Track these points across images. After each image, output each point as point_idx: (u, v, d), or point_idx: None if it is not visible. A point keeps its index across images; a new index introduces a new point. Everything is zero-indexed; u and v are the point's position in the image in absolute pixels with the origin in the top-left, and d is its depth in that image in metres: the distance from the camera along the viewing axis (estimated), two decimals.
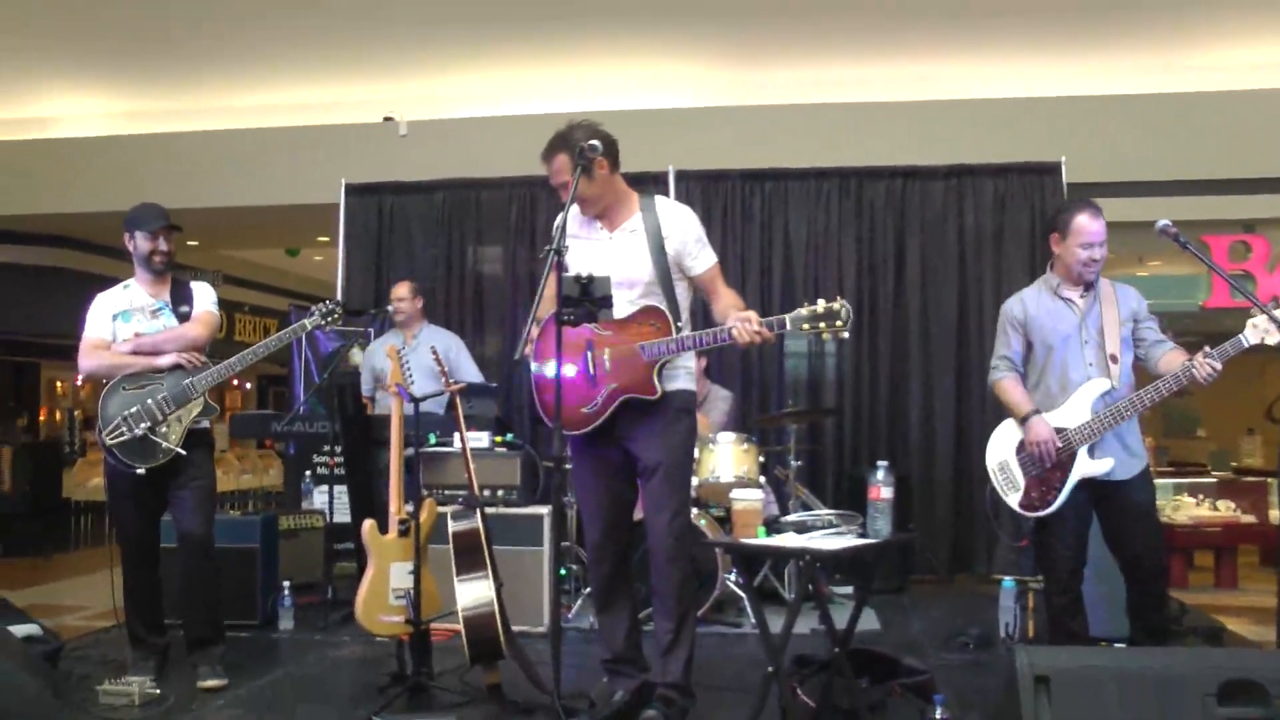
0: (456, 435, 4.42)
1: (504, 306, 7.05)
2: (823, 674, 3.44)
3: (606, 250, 3.43)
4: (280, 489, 9.71)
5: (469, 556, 3.82)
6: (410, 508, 3.99)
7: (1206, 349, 3.48)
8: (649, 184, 6.03)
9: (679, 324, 3.37)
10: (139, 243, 4.15)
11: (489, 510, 4.07)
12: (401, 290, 5.87)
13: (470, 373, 5.71)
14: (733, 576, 5.07)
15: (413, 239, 7.23)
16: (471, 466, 4.08)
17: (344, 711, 3.79)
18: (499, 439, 5.18)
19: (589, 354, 3.37)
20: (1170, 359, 3.64)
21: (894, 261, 6.77)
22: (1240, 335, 3.50)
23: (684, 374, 3.46)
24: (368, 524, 4.01)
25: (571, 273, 3.12)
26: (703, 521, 5.01)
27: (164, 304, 4.18)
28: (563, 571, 5.11)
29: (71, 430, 13.14)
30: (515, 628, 3.87)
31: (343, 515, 5.45)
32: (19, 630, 4.09)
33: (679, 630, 3.40)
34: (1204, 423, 12.42)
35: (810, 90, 7.40)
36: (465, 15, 6.74)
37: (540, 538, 4.85)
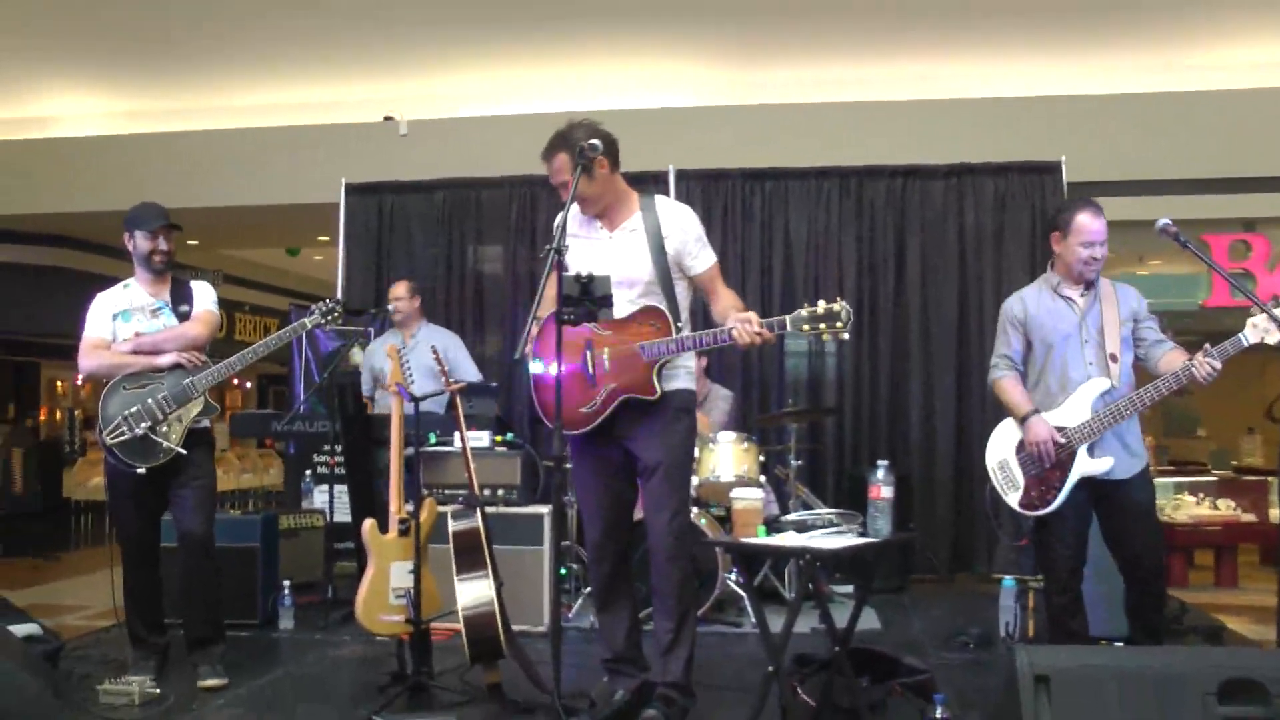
0: (457, 435, 4.42)
1: (504, 306, 7.05)
2: (823, 673, 3.44)
3: (606, 250, 3.43)
4: (280, 488, 9.70)
5: (469, 556, 3.82)
6: (410, 507, 3.99)
7: (1207, 347, 3.48)
8: (649, 183, 6.03)
9: (679, 324, 3.37)
10: (139, 242, 4.15)
11: (489, 510, 4.06)
12: (399, 290, 5.87)
13: (468, 371, 5.71)
14: (733, 576, 5.07)
15: (413, 238, 7.23)
16: (472, 466, 4.08)
17: (344, 711, 3.79)
18: (499, 438, 5.18)
19: (588, 353, 3.37)
20: (1170, 359, 3.64)
21: (894, 261, 6.77)
22: (1240, 334, 3.50)
23: (684, 374, 3.46)
24: (368, 523, 4.01)
25: (571, 272, 3.12)
26: (703, 521, 5.01)
27: (164, 303, 4.18)
28: (563, 571, 5.11)
29: (72, 430, 13.14)
30: (515, 627, 3.87)
31: (343, 514, 5.46)
32: (19, 630, 4.09)
33: (679, 630, 3.40)
34: (1204, 422, 12.42)
35: (810, 90, 7.40)
36: (465, 15, 6.74)
37: (540, 537, 4.85)
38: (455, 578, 3.80)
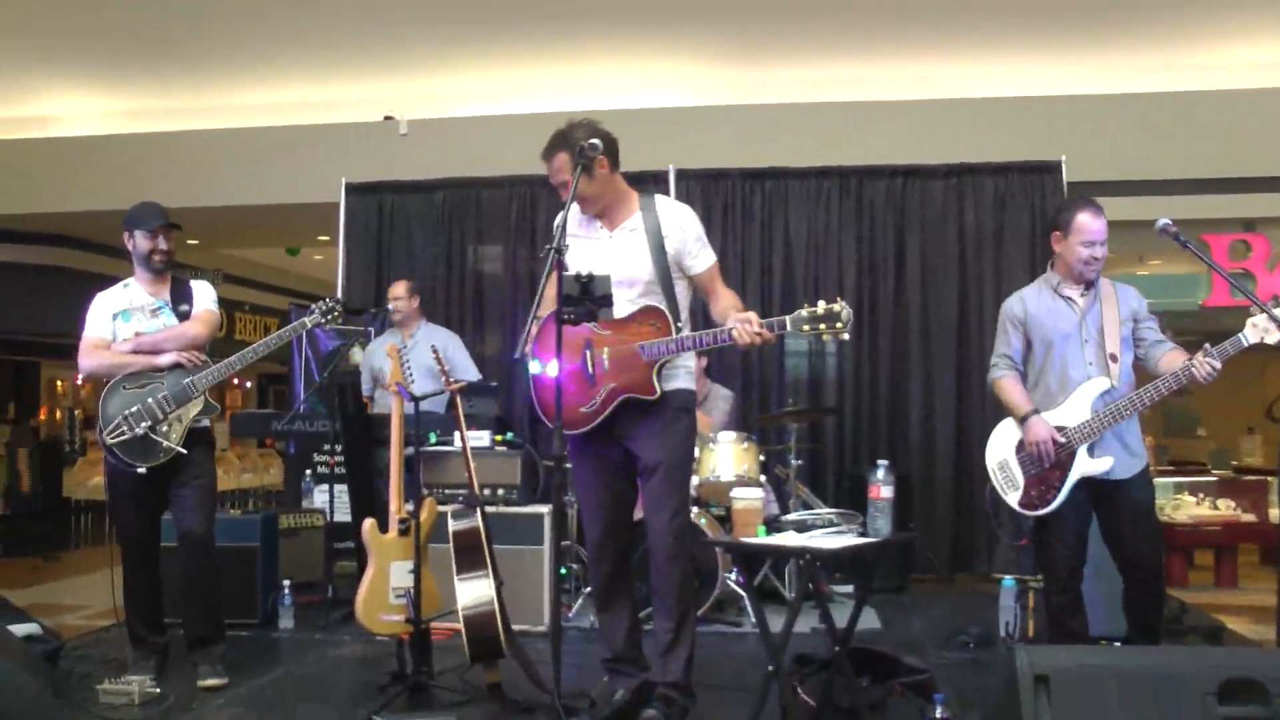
0: (457, 434, 4.42)
1: (504, 306, 7.05)
2: (823, 673, 3.44)
3: (606, 249, 3.43)
4: (280, 488, 9.69)
5: (469, 555, 3.83)
6: (410, 507, 3.99)
7: (1207, 346, 3.48)
8: (649, 183, 6.03)
9: (678, 324, 3.37)
10: (138, 242, 4.15)
11: (489, 509, 4.06)
12: (398, 290, 5.87)
13: (468, 371, 5.70)
14: (733, 575, 5.07)
15: (413, 238, 7.23)
16: (472, 465, 4.08)
17: (344, 710, 3.80)
18: (499, 438, 5.19)
19: (588, 353, 3.37)
20: (1170, 359, 3.64)
21: (894, 260, 6.77)
22: (1240, 334, 3.50)
23: (683, 373, 3.46)
24: (368, 523, 4.01)
25: (571, 272, 3.12)
26: (703, 520, 5.01)
27: (164, 303, 4.18)
28: (563, 571, 5.11)
29: (72, 429, 13.15)
30: (515, 627, 3.86)
31: (343, 514, 5.46)
32: (19, 629, 4.09)
33: (679, 629, 3.40)
34: (1204, 422, 12.42)
35: (810, 89, 7.40)
36: (465, 14, 6.74)
37: (540, 537, 4.85)
38: (455, 577, 3.80)
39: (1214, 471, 8.10)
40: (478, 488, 4.03)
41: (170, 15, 6.79)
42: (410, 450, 4.19)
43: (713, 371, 6.15)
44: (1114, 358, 3.66)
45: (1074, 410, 3.66)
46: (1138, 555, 3.64)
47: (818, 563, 3.26)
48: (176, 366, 4.05)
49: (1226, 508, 6.87)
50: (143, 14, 6.77)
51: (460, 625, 3.74)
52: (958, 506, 6.55)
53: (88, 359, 4.11)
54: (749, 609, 4.86)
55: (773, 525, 3.55)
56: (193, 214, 7.14)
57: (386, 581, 3.94)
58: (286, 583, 5.10)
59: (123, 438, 3.95)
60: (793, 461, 5.50)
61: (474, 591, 3.77)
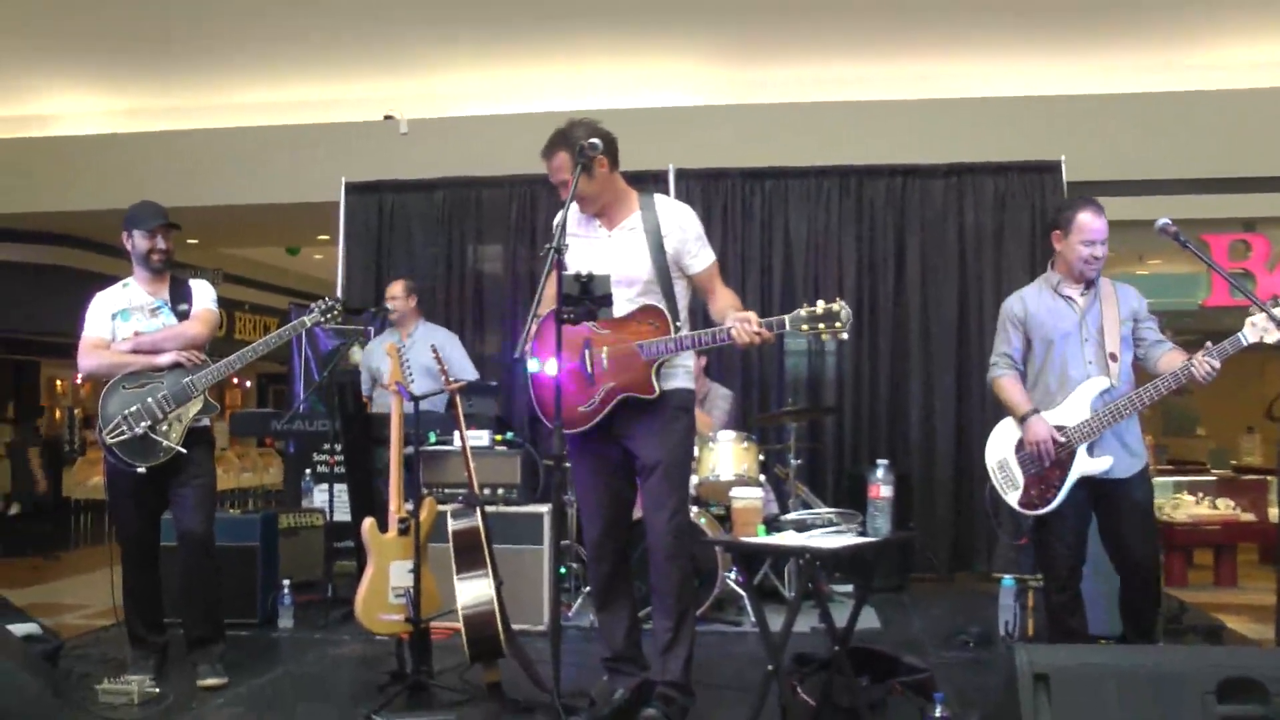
0: (456, 434, 4.42)
1: (504, 305, 7.05)
2: (823, 672, 3.44)
3: (606, 248, 3.43)
4: (280, 487, 9.70)
5: (469, 555, 3.83)
6: (410, 506, 3.99)
7: (1208, 345, 3.49)
8: (649, 182, 6.03)
9: (677, 323, 3.37)
10: (137, 241, 4.15)
11: (489, 509, 4.07)
12: (395, 289, 5.88)
13: (465, 370, 5.69)
14: (732, 575, 5.07)
15: (413, 237, 7.23)
16: (471, 465, 4.08)
17: (344, 710, 3.80)
18: (499, 437, 5.18)
19: (587, 352, 3.37)
20: (1170, 359, 3.64)
21: (894, 260, 6.77)
22: (1239, 333, 3.50)
23: (682, 373, 3.46)
24: (367, 522, 4.01)
25: (571, 271, 3.12)
26: (702, 520, 5.02)
27: (163, 302, 4.18)
28: (562, 570, 5.12)
29: (71, 429, 13.16)
30: (515, 626, 3.87)
31: (343, 514, 5.46)
32: (18, 629, 4.08)
33: (678, 628, 3.40)
34: (1203, 421, 12.43)
35: (810, 89, 7.40)
36: (466, 14, 6.74)
37: (540, 536, 4.85)
38: (455, 577, 3.80)
39: (1213, 471, 8.11)
40: (477, 487, 4.03)
41: (170, 15, 6.79)
42: (410, 450, 4.19)
43: (712, 371, 6.15)
44: (1114, 357, 3.66)
45: (1073, 409, 3.66)
46: (1136, 555, 3.65)
47: (817, 562, 3.26)
48: (176, 366, 4.05)
49: (1226, 507, 6.87)
50: (143, 13, 6.77)
51: (460, 624, 3.74)
52: (957, 506, 6.55)
53: (87, 359, 4.10)
54: (748, 608, 4.86)
55: (772, 525, 3.55)
56: (192, 213, 7.14)
57: (386, 581, 3.94)
58: (286, 582, 5.10)
59: (122, 437, 3.94)
60: (792, 461, 5.50)
61: (473, 591, 3.77)
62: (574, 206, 3.41)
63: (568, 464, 3.52)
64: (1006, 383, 3.83)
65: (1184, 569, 6.82)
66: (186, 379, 4.02)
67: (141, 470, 3.95)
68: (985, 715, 3.42)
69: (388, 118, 7.72)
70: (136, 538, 4.14)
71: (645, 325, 3.33)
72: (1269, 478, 7.11)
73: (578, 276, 3.10)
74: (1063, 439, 3.65)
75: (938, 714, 3.06)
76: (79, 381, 13.39)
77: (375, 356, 5.90)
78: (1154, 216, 3.65)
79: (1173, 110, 6.97)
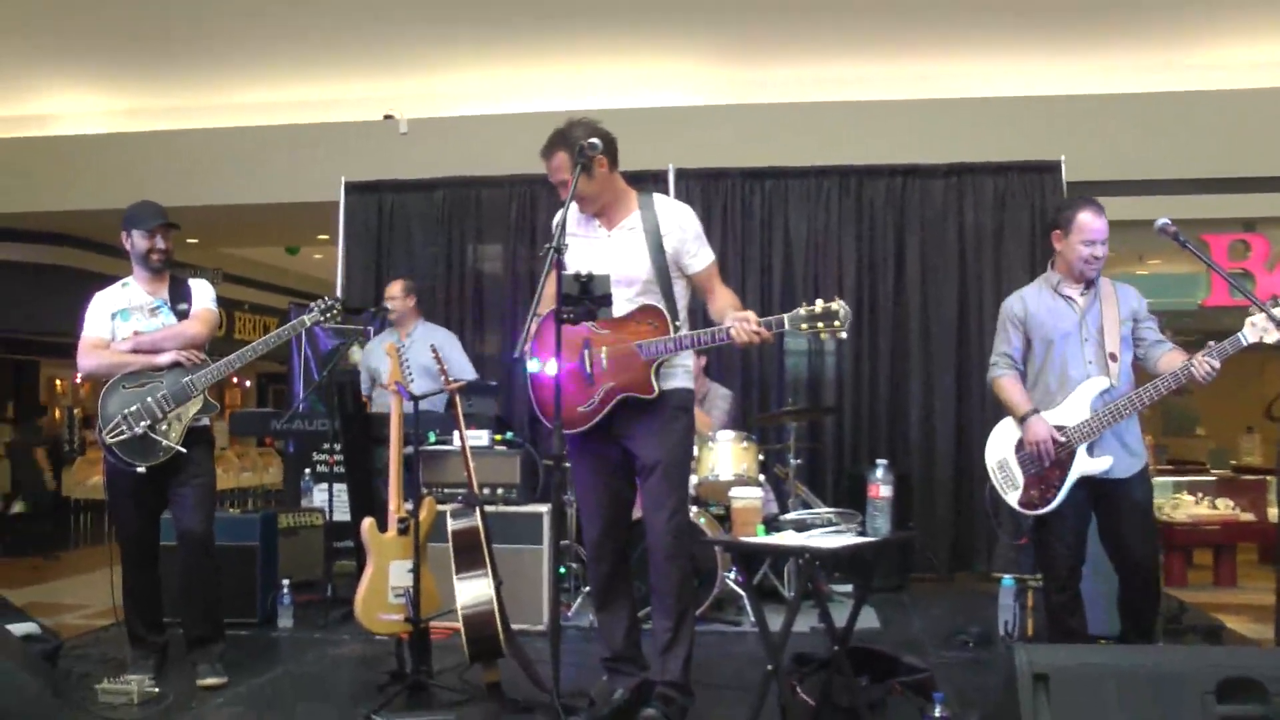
0: (456, 433, 4.42)
1: (504, 305, 7.04)
2: (822, 672, 3.44)
3: (605, 248, 3.43)
4: (280, 487, 9.71)
5: (468, 555, 3.82)
6: (410, 506, 3.99)
7: (1211, 345, 3.49)
8: (649, 182, 6.03)
9: (676, 323, 3.37)
10: (136, 241, 4.14)
11: (488, 508, 4.07)
12: (394, 289, 5.88)
13: (463, 369, 5.69)
14: (732, 575, 5.07)
15: (413, 237, 7.23)
16: (471, 465, 4.08)
17: (343, 710, 3.79)
18: (498, 437, 5.18)
19: (586, 352, 3.37)
20: (1170, 359, 3.64)
21: (894, 260, 6.77)
22: (1239, 333, 3.50)
23: (682, 372, 3.46)
24: (367, 522, 4.01)
25: (571, 271, 3.12)
26: (702, 520, 5.01)
27: (162, 302, 4.17)
28: (562, 570, 5.11)
29: (71, 429, 13.16)
30: (514, 626, 3.87)
31: (342, 513, 5.46)
32: (17, 629, 4.08)
33: (678, 628, 3.40)
34: (1203, 421, 12.43)
35: (810, 88, 7.40)
36: (465, 13, 6.74)
37: (539, 536, 4.85)
38: (454, 576, 3.80)
39: (1213, 471, 8.11)
40: (477, 487, 4.03)
41: (170, 14, 6.79)
42: (409, 449, 4.19)
43: (712, 370, 6.15)
44: (1113, 357, 3.66)
45: (1073, 409, 3.66)
46: (1135, 555, 3.64)
47: (817, 562, 3.26)
48: (175, 365, 4.05)
49: (1225, 507, 6.88)
50: (143, 13, 6.78)
51: (459, 624, 3.74)
52: (957, 506, 6.55)
53: (86, 358, 4.10)
54: (748, 608, 4.86)
55: (772, 524, 3.55)
56: (192, 213, 7.15)
57: (386, 581, 3.94)
58: (286, 582, 5.10)
59: (122, 437, 3.94)
60: (792, 461, 5.50)
61: (473, 591, 3.77)
62: (573, 206, 3.41)
63: (567, 464, 3.52)
64: (1006, 383, 3.83)
65: (1183, 569, 6.82)
66: (186, 378, 4.02)
67: (141, 470, 3.95)
68: (985, 715, 3.42)
69: (387, 117, 7.72)
70: (136, 537, 4.14)
71: (644, 325, 3.33)
72: (1268, 478, 7.11)
73: (577, 276, 3.10)
74: (1063, 439, 3.65)
75: (937, 714, 3.05)
76: (78, 381, 13.39)
77: (374, 356, 5.90)
78: (1153, 216, 3.65)
79: (1172, 110, 6.97)
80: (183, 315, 4.16)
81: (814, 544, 3.18)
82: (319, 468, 6.32)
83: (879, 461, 3.34)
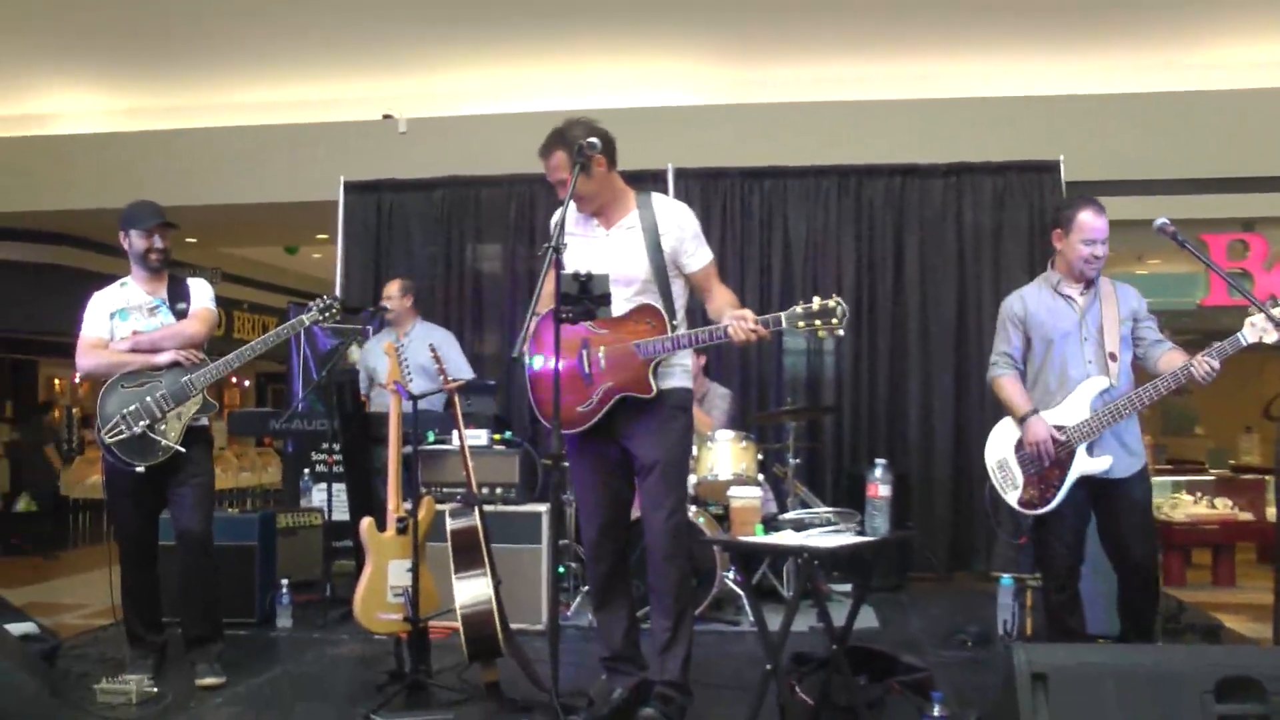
0: (455, 433, 4.42)
1: (503, 305, 7.05)
2: (821, 672, 3.44)
3: (604, 247, 3.43)
4: (279, 486, 9.71)
5: (467, 554, 3.82)
6: (409, 505, 3.99)
7: (1213, 346, 3.49)
8: (648, 182, 6.00)
9: (674, 322, 3.37)
10: (134, 241, 4.14)
11: (487, 508, 4.06)
12: (391, 289, 5.88)
13: (461, 369, 5.68)
14: (731, 574, 5.07)
15: (412, 237, 7.23)
16: (470, 464, 4.08)
17: (342, 709, 3.79)
18: (497, 437, 5.18)
19: (584, 352, 3.37)
20: (1169, 359, 3.64)
21: (893, 259, 6.77)
22: (1238, 333, 3.51)
23: (680, 372, 3.46)
24: (366, 522, 4.01)
25: (570, 270, 3.12)
26: (701, 519, 5.01)
27: (161, 301, 4.17)
28: (561, 569, 5.11)
29: (70, 428, 13.17)
30: (513, 625, 3.87)
31: (341, 513, 5.45)
32: (16, 628, 4.08)
33: (677, 628, 3.40)
34: (1202, 420, 12.43)
35: (809, 88, 7.40)
36: (465, 13, 6.73)
37: (538, 535, 4.85)
38: (453, 576, 3.80)
39: (1212, 470, 8.10)
40: (476, 486, 4.04)
41: (170, 14, 6.79)
42: (408, 449, 4.18)
43: (711, 370, 6.15)
44: (1113, 357, 3.66)
45: (1073, 409, 3.66)
46: (1134, 554, 3.65)
47: (816, 561, 3.25)
48: (174, 365, 4.05)
49: (1224, 506, 6.88)
50: (143, 12, 6.77)
51: (458, 624, 3.74)
52: (956, 505, 6.55)
53: (85, 358, 4.10)
54: (747, 607, 4.86)
55: (771, 524, 3.55)
56: (191, 212, 7.15)
57: (384, 580, 3.94)
58: (284, 581, 5.10)
59: (121, 436, 3.94)
60: (791, 460, 5.50)
61: (472, 590, 3.77)
62: (572, 205, 3.40)
63: (566, 463, 3.52)
64: (1006, 382, 3.83)
65: (1182, 568, 6.83)
66: (185, 378, 4.02)
67: (140, 469, 3.95)
68: (983, 715, 3.42)
69: (386, 117, 7.72)
70: (135, 537, 4.13)
71: (642, 324, 3.33)
72: (1267, 477, 7.11)
73: (576, 275, 3.10)
74: (1062, 438, 3.65)
75: (936, 713, 3.06)
76: (77, 381, 13.40)
77: (373, 356, 5.89)
78: (1153, 216, 3.65)
79: (1172, 110, 6.97)
80: (181, 315, 4.16)
81: (813, 543, 3.18)
82: (318, 467, 6.32)
83: (878, 461, 3.33)
